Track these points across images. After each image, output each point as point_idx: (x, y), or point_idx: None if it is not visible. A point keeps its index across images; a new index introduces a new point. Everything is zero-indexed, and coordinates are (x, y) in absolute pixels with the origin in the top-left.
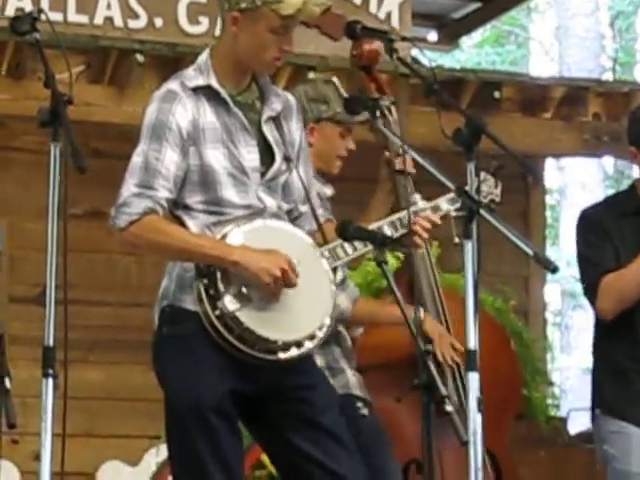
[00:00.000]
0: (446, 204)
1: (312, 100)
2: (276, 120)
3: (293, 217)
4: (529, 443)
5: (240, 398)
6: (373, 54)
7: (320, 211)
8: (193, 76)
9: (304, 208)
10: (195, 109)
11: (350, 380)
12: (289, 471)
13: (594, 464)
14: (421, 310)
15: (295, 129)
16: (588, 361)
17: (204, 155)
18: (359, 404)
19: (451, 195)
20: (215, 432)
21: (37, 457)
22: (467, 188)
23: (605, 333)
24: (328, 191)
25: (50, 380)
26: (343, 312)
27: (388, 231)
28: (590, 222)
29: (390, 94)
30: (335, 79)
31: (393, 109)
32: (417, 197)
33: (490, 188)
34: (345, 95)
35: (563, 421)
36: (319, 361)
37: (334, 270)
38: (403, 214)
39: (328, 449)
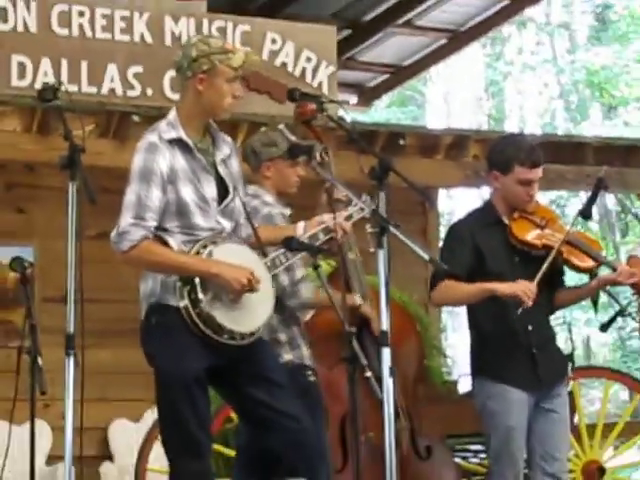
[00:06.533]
0: (356, 213)
1: (265, 145)
2: (224, 160)
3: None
4: (430, 400)
5: (212, 371)
6: (313, 112)
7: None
8: (166, 130)
9: (242, 220)
10: (171, 156)
11: (304, 353)
12: (250, 417)
13: (477, 416)
14: (358, 297)
15: (235, 165)
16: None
17: (179, 191)
18: (309, 372)
19: (357, 206)
20: (195, 397)
21: (63, 416)
22: (380, 211)
23: (476, 305)
24: (287, 211)
25: (71, 359)
26: (307, 300)
27: (321, 235)
28: (457, 232)
29: (323, 142)
30: (282, 126)
31: (330, 153)
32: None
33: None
34: (291, 137)
35: (454, 383)
36: (283, 337)
37: (274, 277)
38: (327, 224)
39: (279, 396)
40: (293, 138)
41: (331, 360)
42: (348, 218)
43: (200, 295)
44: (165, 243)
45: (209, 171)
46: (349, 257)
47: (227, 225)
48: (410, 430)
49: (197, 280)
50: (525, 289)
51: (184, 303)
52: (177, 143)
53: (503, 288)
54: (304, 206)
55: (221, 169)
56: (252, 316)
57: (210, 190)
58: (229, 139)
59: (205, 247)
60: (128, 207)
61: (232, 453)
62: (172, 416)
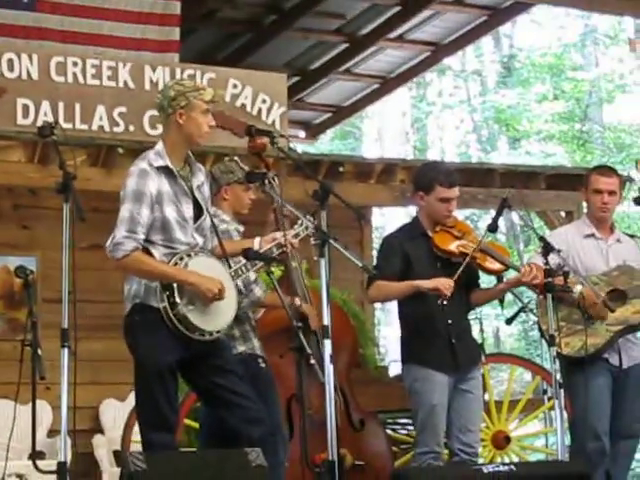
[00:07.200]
0: (302, 232)
1: (223, 172)
2: (199, 186)
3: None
4: (364, 382)
5: (181, 362)
6: (262, 145)
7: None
8: (155, 158)
9: (209, 235)
10: (159, 181)
11: (255, 344)
12: (213, 399)
13: (405, 395)
14: (298, 299)
15: (206, 188)
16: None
17: (164, 210)
18: (260, 360)
19: (303, 225)
20: (168, 385)
21: (60, 397)
22: (322, 226)
23: (405, 303)
24: (241, 228)
25: (66, 350)
26: (259, 298)
27: (274, 249)
28: (389, 243)
29: (273, 170)
30: (236, 158)
31: (276, 179)
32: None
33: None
34: (244, 167)
35: (386, 368)
36: (236, 332)
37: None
38: (279, 240)
39: (236, 382)
40: (246, 167)
41: (281, 350)
42: (296, 236)
43: (177, 299)
44: (149, 253)
45: (188, 195)
46: (292, 265)
47: (200, 240)
48: (345, 406)
49: (175, 286)
50: (445, 283)
51: (164, 305)
52: (163, 170)
53: (426, 284)
54: (255, 222)
55: (197, 193)
56: (219, 317)
57: (188, 210)
58: (203, 168)
59: (182, 259)
60: (122, 222)
61: None
62: (148, 399)
